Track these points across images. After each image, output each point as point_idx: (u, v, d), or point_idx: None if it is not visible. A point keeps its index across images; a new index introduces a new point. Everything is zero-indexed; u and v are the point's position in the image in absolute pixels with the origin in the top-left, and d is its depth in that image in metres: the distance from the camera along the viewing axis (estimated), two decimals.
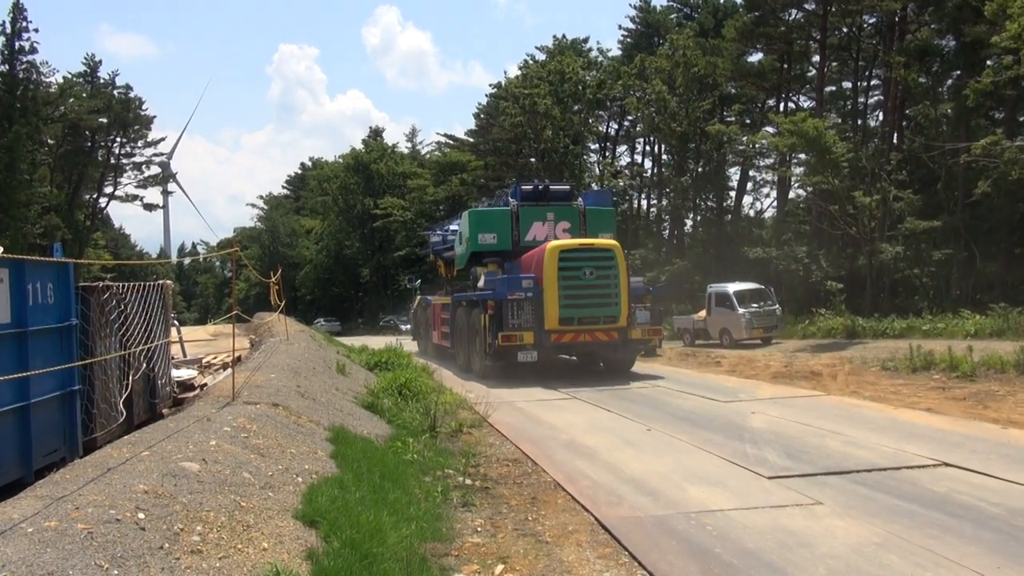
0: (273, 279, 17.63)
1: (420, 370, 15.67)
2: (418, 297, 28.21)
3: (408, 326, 32.29)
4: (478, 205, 23.51)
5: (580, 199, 20.22)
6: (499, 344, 16.27)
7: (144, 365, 9.84)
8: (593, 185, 46.91)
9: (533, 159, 47.59)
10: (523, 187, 20.28)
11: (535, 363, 16.45)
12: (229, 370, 12.92)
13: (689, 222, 45.55)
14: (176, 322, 17.44)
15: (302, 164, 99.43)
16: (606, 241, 17.03)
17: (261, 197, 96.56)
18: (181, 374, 13.00)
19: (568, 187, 20.87)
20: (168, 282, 11.48)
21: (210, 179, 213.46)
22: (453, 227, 24.51)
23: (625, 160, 53.52)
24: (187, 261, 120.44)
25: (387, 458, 7.73)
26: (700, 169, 38.92)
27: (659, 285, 19.15)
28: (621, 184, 46.11)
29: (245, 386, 9.79)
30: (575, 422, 11.03)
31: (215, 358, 17.41)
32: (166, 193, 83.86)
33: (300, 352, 15.08)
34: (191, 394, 11.89)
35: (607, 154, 52.42)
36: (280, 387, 9.91)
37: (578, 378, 16.45)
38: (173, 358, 13.97)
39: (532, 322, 16.37)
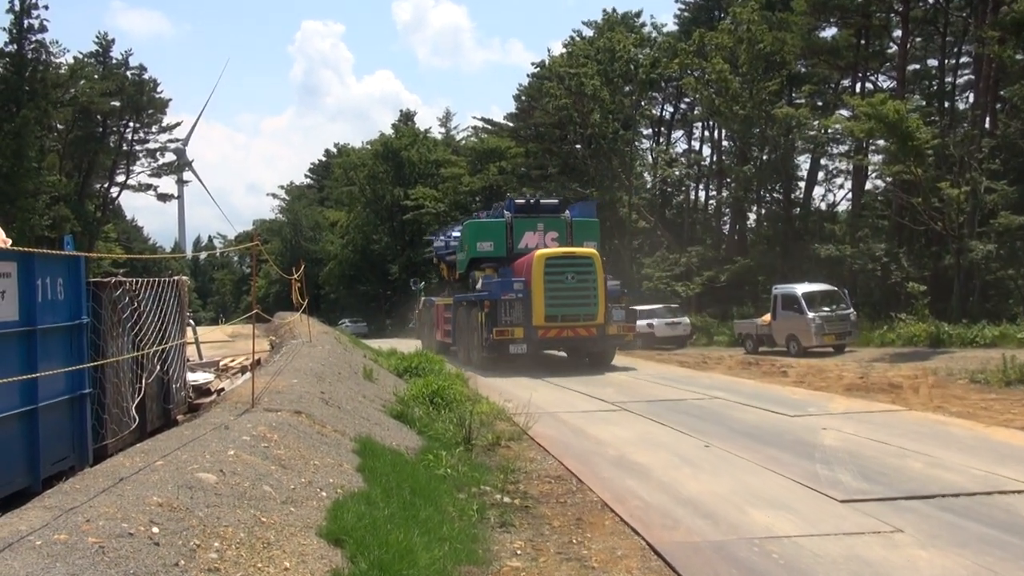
0: (295, 276, 17.85)
1: (454, 377, 15.77)
2: (422, 298, 33.14)
3: (412, 325, 37.39)
4: (480, 215, 28.87)
5: (568, 211, 25.42)
6: (493, 338, 21.00)
7: (158, 368, 10.02)
8: (646, 174, 46.66)
9: (579, 146, 47.52)
10: (516, 201, 26.10)
11: (525, 355, 20.89)
12: (248, 374, 13.10)
13: (752, 216, 45.12)
14: (192, 322, 17.75)
15: (326, 151, 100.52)
16: (586, 250, 21.98)
17: (282, 187, 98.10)
18: (197, 378, 13.21)
19: (557, 201, 26.83)
20: (184, 278, 11.69)
21: (228, 167, 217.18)
22: (455, 233, 29.41)
23: (681, 147, 53.19)
24: (203, 256, 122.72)
25: (418, 472, 7.77)
26: (765, 157, 38.48)
27: (626, 291, 25.64)
28: (677, 173, 45.84)
29: (265, 392, 9.93)
30: (625, 436, 11.02)
31: (233, 361, 17.68)
32: (181, 182, 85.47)
33: (324, 356, 15.26)
34: (207, 399, 12.09)
35: (661, 140, 52.11)
36: (303, 393, 10.03)
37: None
38: (188, 360, 14.22)
39: (522, 319, 21.09)
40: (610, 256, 47.48)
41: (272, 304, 73.60)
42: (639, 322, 31.22)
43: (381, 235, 71.96)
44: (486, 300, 21.87)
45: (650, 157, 49.22)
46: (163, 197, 63.96)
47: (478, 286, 23.91)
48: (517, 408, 12.18)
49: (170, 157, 65.47)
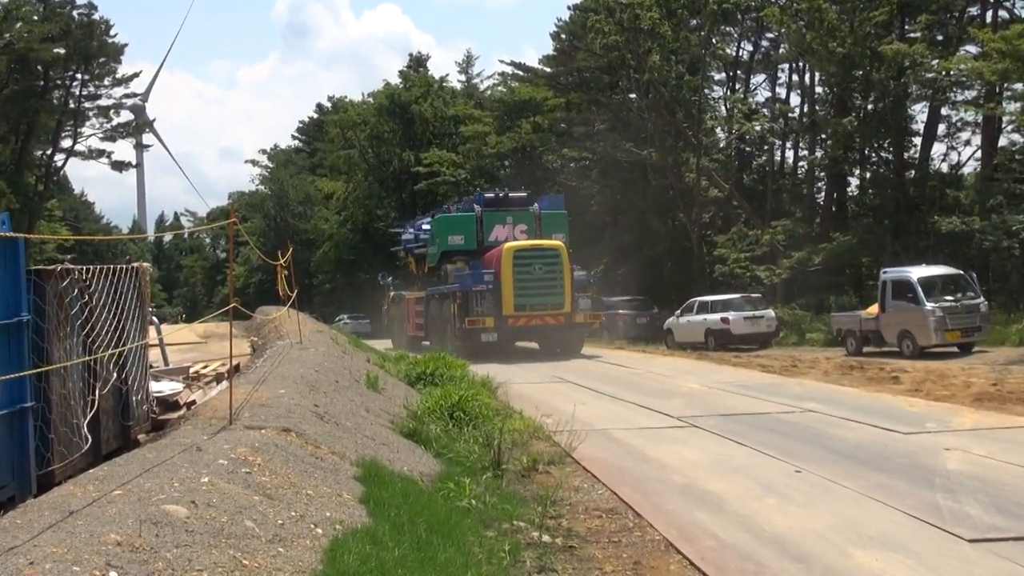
0: (281, 262, 17.99)
1: (478, 386, 15.83)
2: (391, 293, 39.90)
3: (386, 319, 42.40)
4: (451, 208, 36.00)
5: (536, 204, 32.46)
6: (465, 327, 27.78)
7: (115, 376, 10.14)
8: (718, 129, 46.36)
9: (633, 95, 47.33)
10: (486, 195, 32.94)
11: (496, 343, 27.71)
12: (224, 383, 13.20)
13: (855, 181, 44.61)
14: (155, 319, 17.95)
15: (319, 106, 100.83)
16: (552, 242, 29.22)
17: (264, 152, 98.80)
18: (162, 388, 13.37)
19: (525, 194, 34.06)
20: (145, 265, 11.82)
21: (198, 128, 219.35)
22: (425, 225, 36.01)
23: (763, 95, 52.74)
24: (168, 237, 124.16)
25: (436, 504, 7.81)
26: (871, 107, 38.02)
27: (596, 276, 34.15)
28: (757, 129, 45.46)
29: (246, 405, 10.03)
30: (694, 459, 11.05)
31: (206, 367, 17.84)
32: (140, 147, 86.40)
33: (318, 360, 15.38)
34: (175, 415, 12.23)
35: (738, 87, 51.72)
36: (292, 406, 10.11)
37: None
38: (152, 366, 14.37)
39: (492, 309, 27.80)
40: (673, 234, 47.42)
41: (253, 297, 73.98)
42: (710, 317, 31.68)
43: (387, 210, 72.38)
44: (458, 292, 28.69)
45: (723, 108, 48.90)
46: (119, 166, 64.82)
47: (450, 279, 30.65)
48: (558, 424, 12.20)
49: (126, 116, 66.42)
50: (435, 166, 63.64)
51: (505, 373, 20.23)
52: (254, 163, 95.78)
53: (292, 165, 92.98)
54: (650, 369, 23.23)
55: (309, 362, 14.73)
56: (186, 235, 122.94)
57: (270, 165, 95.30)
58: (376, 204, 73.29)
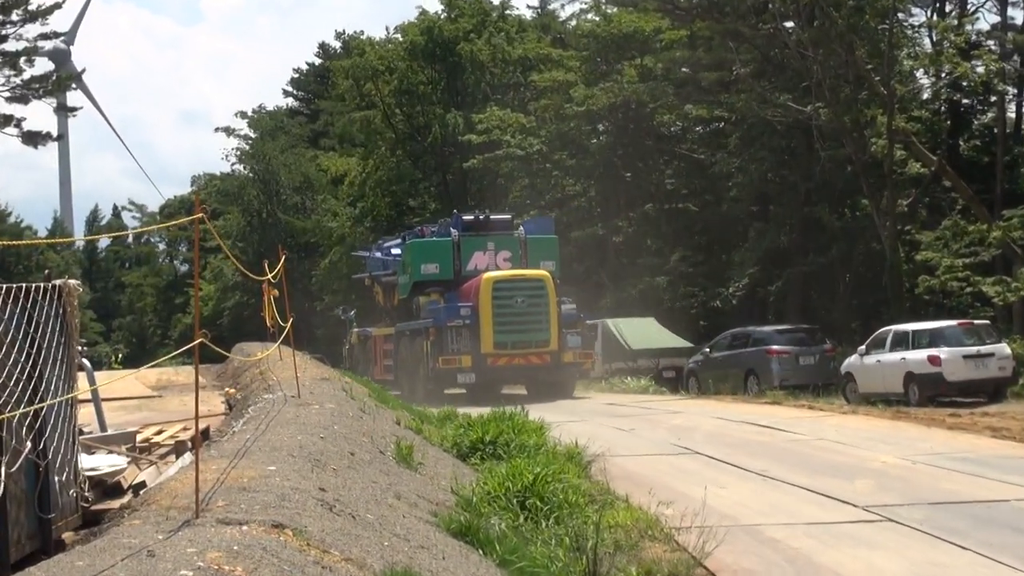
0: (269, 276, 18.10)
1: (563, 458, 15.74)
2: (355, 330, 46.98)
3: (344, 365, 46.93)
4: (424, 231, 41.86)
5: (521, 228, 38.88)
6: (439, 367, 33.65)
7: (27, 446, 10.23)
8: (919, 74, 45.76)
9: (790, 23, 46.94)
10: (464, 217, 38.99)
11: (475, 385, 33.64)
12: (188, 456, 13.29)
13: None
14: (86, 362, 18.14)
15: (323, 48, 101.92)
16: (536, 272, 35.36)
17: (244, 115, 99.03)
18: (98, 464, 13.49)
19: (509, 216, 40.72)
20: (72, 283, 11.93)
21: (146, 82, 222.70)
22: (395, 249, 42.49)
23: (988, 20, 51.98)
24: (104, 243, 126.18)
25: None
26: None
27: (583, 315, 37.80)
28: (980, 71, 44.81)
29: (220, 488, 10.06)
30: (891, 572, 10.94)
31: (160, 432, 18.01)
32: (64, 111, 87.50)
33: (325, 421, 15.41)
34: (116, 503, 12.33)
35: (949, 9, 51.00)
36: (287, 490, 10.13)
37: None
38: (83, 432, 14.50)
39: (470, 347, 33.68)
40: (853, 231, 46.89)
41: (229, 328, 75.10)
42: (911, 355, 31.22)
43: (424, 199, 72.55)
44: (431, 327, 34.97)
45: (928, 41, 48.26)
46: (32, 138, 65.22)
47: (422, 313, 36.90)
48: (684, 517, 12.08)
49: (44, 66, 67.18)
50: (494, 133, 63.16)
51: (603, 441, 20.17)
52: (229, 132, 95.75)
53: (284, 135, 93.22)
54: (821, 434, 22.94)
55: (312, 425, 14.77)
56: (130, 239, 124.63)
57: (252, 135, 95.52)
58: (407, 190, 72.84)
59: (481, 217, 39.09)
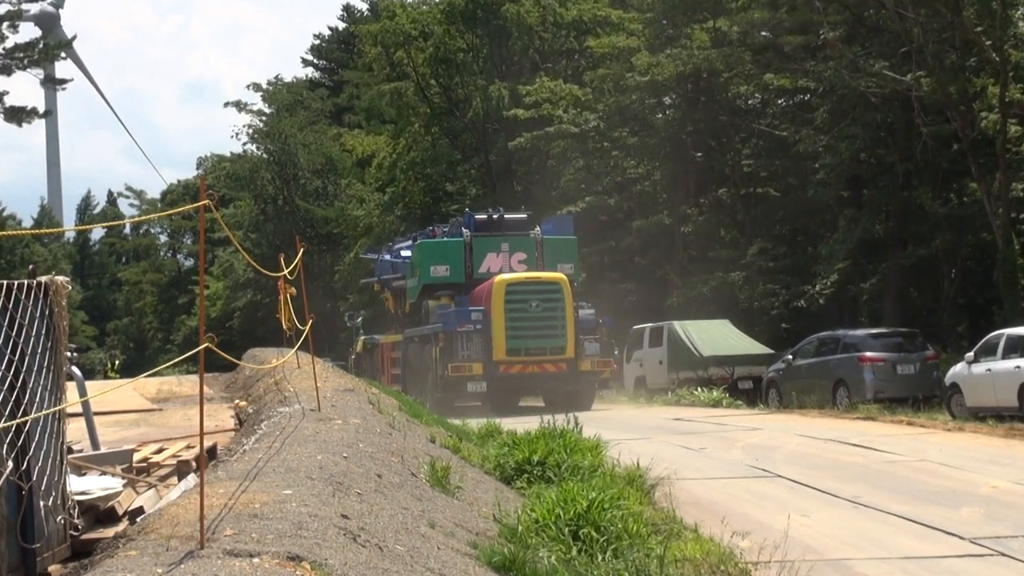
0: (286, 272, 18.15)
1: (622, 481, 15.72)
2: (362, 338, 50.15)
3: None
4: (436, 232, 44.26)
5: (538, 228, 41.61)
6: (448, 375, 35.98)
7: (9, 466, 10.29)
8: None
9: None
10: (477, 216, 41.73)
11: (487, 396, 36.46)
12: (192, 478, 13.34)
13: None
14: (76, 370, 18.26)
15: (347, 10, 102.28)
16: (552, 274, 37.85)
17: (258, 88, 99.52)
18: (89, 487, 13.56)
19: (524, 215, 43.43)
20: (60, 279, 12.00)
21: (146, 52, 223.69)
22: (405, 251, 44.94)
23: None
24: (98, 233, 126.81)
25: None
26: None
27: (602, 320, 40.03)
28: None
29: (228, 515, 10.09)
30: None
31: (161, 451, 18.11)
32: (53, 83, 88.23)
33: (348, 439, 15.45)
34: (110, 531, 12.37)
35: None
36: (304, 518, 10.15)
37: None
38: (72, 450, 14.58)
39: (481, 354, 36.19)
40: (960, 219, 46.60)
41: (240, 332, 75.47)
42: None
43: (463, 183, 72.63)
44: (440, 333, 37.28)
45: None
46: (17, 114, 65.84)
47: (432, 318, 39.19)
48: (762, 549, 12.05)
49: (30, 32, 67.66)
50: (544, 107, 63.17)
51: (669, 461, 20.14)
52: (240, 107, 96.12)
53: (303, 110, 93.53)
54: (922, 454, 22.85)
55: (333, 442, 14.80)
56: (127, 229, 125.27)
57: (266, 111, 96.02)
58: (444, 174, 72.95)
59: (495, 216, 41.57)
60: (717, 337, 43.69)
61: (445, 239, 41.94)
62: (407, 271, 43.59)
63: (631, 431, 26.90)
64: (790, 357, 38.81)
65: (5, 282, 10.43)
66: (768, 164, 56.45)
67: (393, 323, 47.41)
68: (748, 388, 41.19)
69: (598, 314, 39.18)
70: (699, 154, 58.34)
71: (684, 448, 24.22)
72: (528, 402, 39.59)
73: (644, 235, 56.75)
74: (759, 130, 55.64)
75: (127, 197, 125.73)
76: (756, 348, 43.77)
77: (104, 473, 15.07)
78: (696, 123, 56.33)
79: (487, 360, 36.08)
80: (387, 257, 48.31)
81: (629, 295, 59.62)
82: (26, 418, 10.28)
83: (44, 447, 11.05)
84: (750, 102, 57.29)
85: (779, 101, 56.90)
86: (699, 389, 39.60)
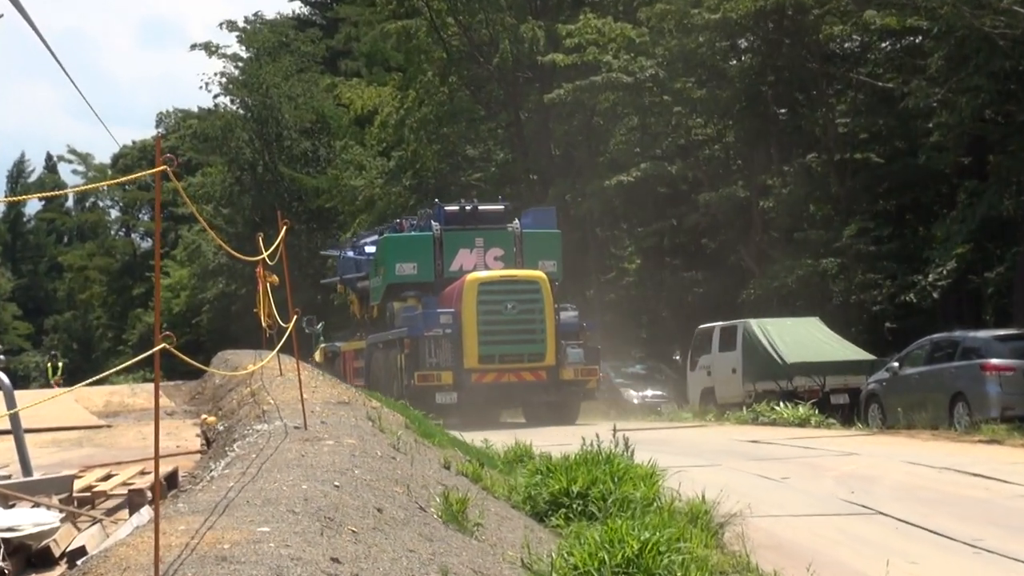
0: (264, 256, 18.18)
1: (682, 517, 15.71)
2: (322, 346, 54.29)
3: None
4: (403, 225, 47.92)
5: (516, 221, 44.76)
6: (414, 384, 38.67)
7: None
8: None
9: None
10: (447, 208, 45.11)
11: (458, 408, 38.28)
12: (146, 512, 13.37)
13: None
14: (2, 375, 18.34)
15: None
16: (530, 272, 40.96)
17: (232, 27, 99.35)
18: (18, 521, 13.62)
19: (501, 207, 46.50)
20: None
21: None
22: (370, 248, 48.75)
23: None
24: (33, 206, 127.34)
25: None
26: None
27: (587, 323, 43.75)
28: None
29: (190, 557, 10.12)
30: None
31: (109, 477, 18.17)
32: None
33: (340, 463, 15.48)
34: None
35: None
36: (284, 561, 10.17)
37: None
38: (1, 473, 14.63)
39: (451, 361, 39.31)
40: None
41: (210, 329, 75.83)
42: None
43: (486, 145, 72.59)
44: (406, 338, 40.47)
45: None
46: None
47: (396, 321, 42.53)
48: None
49: None
50: (589, 51, 62.85)
51: (742, 494, 20.14)
52: (211, 51, 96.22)
53: (289, 55, 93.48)
54: None
55: (323, 468, 14.84)
56: (70, 201, 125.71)
57: (243, 55, 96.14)
58: (464, 134, 72.87)
59: (468, 208, 45.15)
60: (804, 339, 43.57)
61: (412, 233, 45.40)
62: (371, 269, 47.12)
63: (695, 456, 26.94)
64: (896, 365, 38.70)
65: None
66: (869, 123, 56.05)
67: (359, 329, 50.71)
68: (843, 403, 41.10)
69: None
70: (782, 111, 58.32)
71: (761, 478, 24.25)
72: (510, 416, 42.06)
73: (713, 211, 56.75)
74: (858, 81, 55.43)
75: (70, 162, 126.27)
76: (853, 353, 43.66)
77: (38, 505, 15.15)
78: (779, 72, 56.17)
79: (458, 368, 39.15)
80: (350, 254, 52.15)
81: (695, 286, 59.82)
82: None
83: None
84: (847, 46, 57.17)
85: (883, 45, 56.74)
86: (781, 404, 39.37)
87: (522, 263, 42.30)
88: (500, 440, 25.10)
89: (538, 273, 40.74)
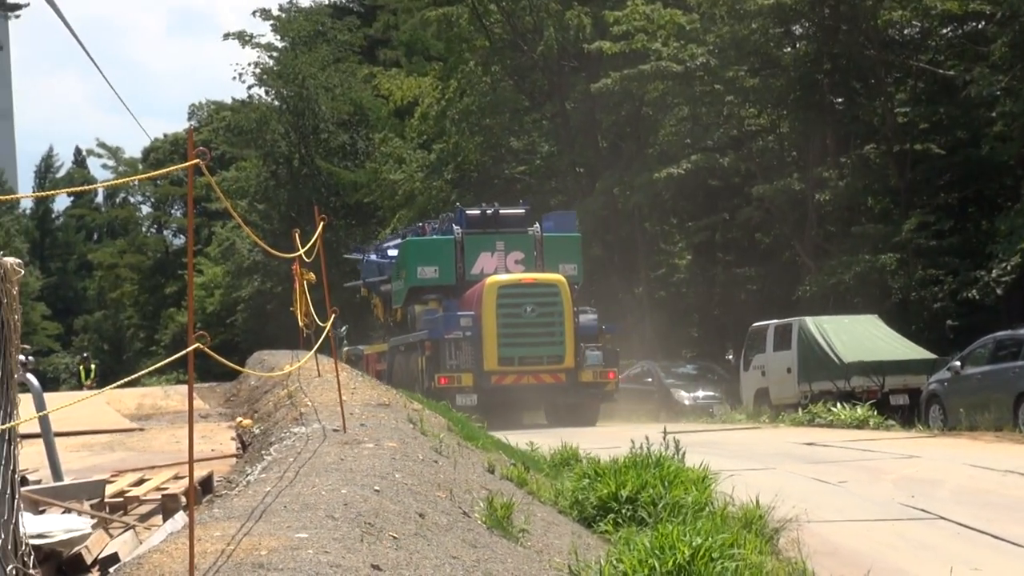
0: (301, 253, 18.22)
1: (736, 522, 15.70)
2: (345, 350, 54.87)
3: None
4: (426, 229, 50.15)
5: (537, 224, 46.68)
6: (435, 386, 39.86)
7: None
8: None
9: None
10: (468, 212, 47.00)
11: (478, 410, 37.83)
12: (181, 518, 13.40)
13: None
14: (31, 378, 18.38)
15: None
16: (549, 275, 43.12)
17: (267, 15, 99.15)
18: (49, 528, 13.65)
19: (522, 211, 48.03)
20: (9, 261, 12.09)
21: None
22: (392, 251, 51.08)
23: None
24: (62, 202, 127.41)
25: None
26: None
27: (606, 326, 46.17)
28: None
29: (226, 565, 10.15)
30: None
31: (142, 482, 18.20)
32: (3, 11, 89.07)
33: (381, 467, 15.49)
34: None
35: None
36: (323, 567, 10.19)
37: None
38: (28, 480, 14.68)
39: (471, 363, 41.25)
40: None
41: (244, 329, 75.85)
42: None
43: (531, 137, 72.41)
44: (427, 340, 42.52)
45: None
46: None
47: (418, 324, 44.99)
48: None
49: None
50: (637, 39, 62.59)
51: (797, 498, 20.14)
52: (244, 40, 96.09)
53: (326, 44, 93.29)
54: None
55: (363, 472, 14.84)
56: (100, 197, 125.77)
57: (278, 44, 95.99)
58: (508, 125, 72.75)
59: (489, 212, 46.91)
60: (862, 338, 43.44)
61: (434, 237, 47.43)
62: (393, 273, 49.46)
63: (749, 459, 26.90)
64: (958, 364, 38.49)
65: None
66: (930, 113, 55.74)
67: (383, 332, 54.58)
68: (903, 404, 40.93)
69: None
70: (839, 100, 58.13)
71: (818, 481, 24.19)
72: (531, 418, 44.33)
73: (767, 205, 56.60)
74: (918, 68, 55.26)
75: (99, 156, 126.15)
76: (913, 352, 43.51)
77: (69, 510, 15.17)
78: (835, 59, 55.97)
79: (478, 370, 41.25)
80: (373, 257, 54.84)
81: (748, 283, 59.68)
82: None
83: None
84: (906, 32, 56.98)
85: (944, 31, 56.55)
86: (839, 405, 39.16)
87: (542, 266, 44.38)
88: (519, 441, 25.59)
89: (557, 276, 42.84)
